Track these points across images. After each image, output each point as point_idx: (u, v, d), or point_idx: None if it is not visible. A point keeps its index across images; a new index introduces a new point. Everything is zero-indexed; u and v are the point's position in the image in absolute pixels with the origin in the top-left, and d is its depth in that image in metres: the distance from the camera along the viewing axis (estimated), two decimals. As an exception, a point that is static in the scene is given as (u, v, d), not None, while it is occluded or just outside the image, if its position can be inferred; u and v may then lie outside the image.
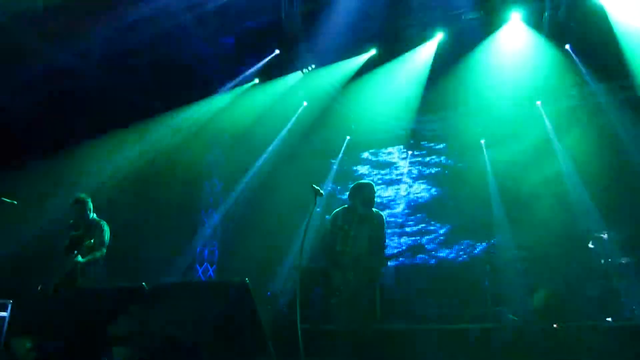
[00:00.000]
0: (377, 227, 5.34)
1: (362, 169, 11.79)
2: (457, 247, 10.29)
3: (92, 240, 5.84)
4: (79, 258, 5.76)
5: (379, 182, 11.51)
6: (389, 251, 10.48)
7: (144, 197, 9.99)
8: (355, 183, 5.69)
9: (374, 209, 5.50)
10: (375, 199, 5.56)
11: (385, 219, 5.60)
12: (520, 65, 9.20)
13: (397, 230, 10.99)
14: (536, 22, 8.80)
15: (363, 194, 5.44)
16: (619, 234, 7.28)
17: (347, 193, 5.79)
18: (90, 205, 6.30)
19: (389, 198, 11.32)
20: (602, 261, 7.14)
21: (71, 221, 6.29)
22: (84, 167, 9.43)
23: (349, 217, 5.38)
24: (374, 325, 5.70)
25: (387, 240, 5.42)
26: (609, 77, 9.33)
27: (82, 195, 6.34)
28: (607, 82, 9.38)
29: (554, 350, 5.38)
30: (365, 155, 11.89)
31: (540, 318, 6.84)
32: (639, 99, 9.01)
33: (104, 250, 6.07)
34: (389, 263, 5.67)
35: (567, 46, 9.07)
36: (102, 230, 6.12)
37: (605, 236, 7.31)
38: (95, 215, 6.32)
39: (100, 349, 3.40)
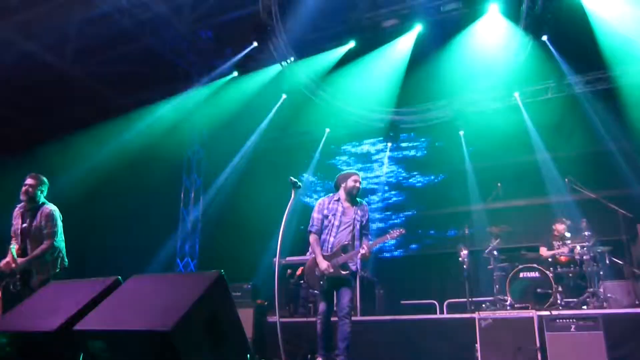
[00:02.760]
0: (360, 217, 5.35)
1: (342, 162, 11.79)
2: (435, 238, 10.36)
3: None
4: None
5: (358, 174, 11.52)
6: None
7: (123, 193, 9.88)
8: (341, 172, 5.69)
9: (358, 199, 5.51)
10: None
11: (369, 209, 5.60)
12: (498, 57, 9.27)
13: (376, 222, 11.03)
14: (514, 14, 8.88)
15: (347, 183, 5.45)
16: (595, 223, 7.38)
17: (332, 183, 5.79)
18: (43, 187, 5.65)
19: (368, 190, 11.35)
20: (577, 250, 7.24)
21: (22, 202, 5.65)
22: (62, 162, 9.30)
23: (333, 206, 5.42)
24: (353, 315, 5.76)
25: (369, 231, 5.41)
26: (585, 69, 9.45)
27: (35, 174, 5.66)
28: (584, 74, 9.50)
29: (529, 339, 5.48)
30: (345, 147, 11.90)
31: (516, 307, 6.91)
32: (614, 90, 9.18)
33: (57, 240, 5.51)
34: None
35: (545, 38, 9.14)
36: (50, 218, 5.51)
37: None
38: (44, 199, 5.68)
39: (76, 343, 3.35)
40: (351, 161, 11.75)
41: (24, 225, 5.57)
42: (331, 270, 5.12)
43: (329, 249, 5.26)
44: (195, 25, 9.38)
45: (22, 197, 5.60)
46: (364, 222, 5.31)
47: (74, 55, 8.97)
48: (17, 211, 5.70)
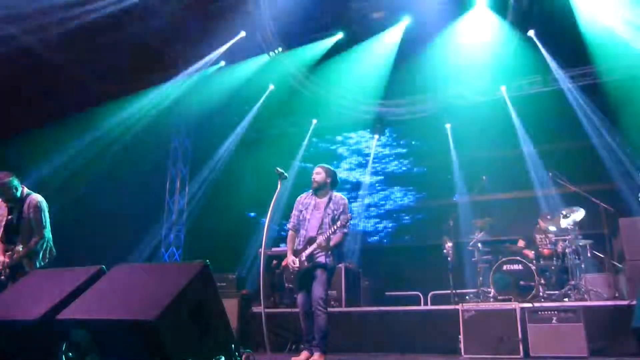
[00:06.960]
0: (332, 211, 5.32)
1: (328, 153, 11.79)
2: (420, 230, 10.43)
3: (22, 246, 5.35)
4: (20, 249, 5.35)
5: (344, 166, 11.57)
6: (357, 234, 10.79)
7: (109, 182, 9.80)
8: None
9: (333, 192, 5.49)
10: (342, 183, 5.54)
11: (348, 201, 5.55)
12: (485, 51, 9.31)
13: (362, 214, 11.07)
14: (501, 8, 8.93)
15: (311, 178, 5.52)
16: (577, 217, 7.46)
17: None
18: (15, 183, 5.46)
19: (355, 182, 11.38)
20: (560, 243, 7.32)
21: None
22: (45, 150, 9.18)
23: (307, 200, 5.47)
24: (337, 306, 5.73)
25: (348, 222, 5.28)
26: (571, 64, 9.53)
27: (1, 174, 5.47)
28: (569, 69, 9.58)
29: (511, 330, 5.56)
30: (331, 139, 11.89)
31: (499, 299, 6.99)
32: (599, 86, 9.26)
33: (46, 233, 5.48)
34: (345, 245, 5.64)
35: (531, 32, 9.20)
36: (38, 210, 5.45)
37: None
38: (25, 190, 5.56)
39: (59, 332, 3.33)
40: (337, 153, 11.75)
41: (10, 217, 5.49)
42: (296, 264, 5.17)
43: (301, 243, 5.30)
44: (183, 14, 9.28)
45: (1, 200, 5.51)
46: (337, 214, 5.26)
47: (57, 41, 8.82)
48: (1, 203, 5.57)
